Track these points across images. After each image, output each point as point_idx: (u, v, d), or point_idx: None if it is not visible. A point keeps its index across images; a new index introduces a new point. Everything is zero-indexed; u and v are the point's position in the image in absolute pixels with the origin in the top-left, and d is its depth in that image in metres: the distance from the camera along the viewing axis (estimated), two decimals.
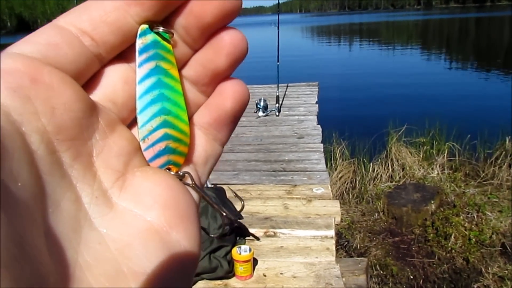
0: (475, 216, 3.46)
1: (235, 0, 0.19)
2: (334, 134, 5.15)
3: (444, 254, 3.21)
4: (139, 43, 0.19)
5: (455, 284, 2.97)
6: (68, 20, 0.18)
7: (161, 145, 0.20)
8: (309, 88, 7.45)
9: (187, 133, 0.21)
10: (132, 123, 0.21)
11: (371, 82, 11.24)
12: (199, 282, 2.21)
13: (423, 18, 60.87)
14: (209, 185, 2.96)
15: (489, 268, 3.00)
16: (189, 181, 0.21)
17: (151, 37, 0.19)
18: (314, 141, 4.59)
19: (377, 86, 10.53)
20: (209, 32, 0.20)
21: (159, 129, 0.20)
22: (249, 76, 11.03)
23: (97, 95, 0.19)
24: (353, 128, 5.59)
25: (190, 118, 0.22)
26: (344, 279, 2.30)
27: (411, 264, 3.16)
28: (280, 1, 6.32)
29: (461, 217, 3.44)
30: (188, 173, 0.21)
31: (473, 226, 3.36)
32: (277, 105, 5.75)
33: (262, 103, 5.74)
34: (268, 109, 5.76)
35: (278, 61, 5.99)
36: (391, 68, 13.89)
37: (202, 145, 0.22)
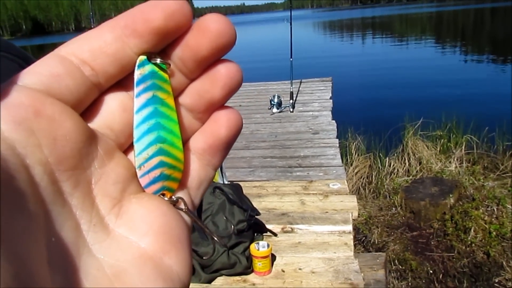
0: (495, 209, 3.40)
1: (230, 35, 0.20)
2: (349, 129, 5.12)
3: (464, 248, 3.17)
4: (137, 74, 0.20)
5: (475, 278, 2.93)
6: (70, 50, 0.19)
7: (156, 172, 0.21)
8: (323, 83, 7.42)
9: (181, 160, 0.22)
10: (128, 148, 0.21)
11: (385, 76, 11.13)
12: (218, 278, 2.23)
13: (437, 10, 60.01)
14: (226, 182, 2.98)
15: (511, 262, 2.95)
16: (182, 206, 0.22)
17: (148, 68, 0.20)
18: (329, 136, 4.58)
19: (391, 80, 10.43)
20: (205, 64, 0.20)
21: (155, 157, 0.21)
22: (263, 72, 11.01)
23: (95, 122, 0.20)
24: (368, 122, 5.55)
25: (185, 143, 0.22)
26: (362, 274, 2.29)
27: (430, 258, 3.13)
28: None
29: (481, 211, 3.39)
30: (182, 198, 0.22)
31: (493, 220, 3.30)
32: (291, 101, 5.74)
33: (276, 100, 5.74)
34: (282, 106, 5.75)
35: (291, 57, 5.97)
36: (405, 62, 13.73)
37: (196, 170, 0.23)
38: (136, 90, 0.20)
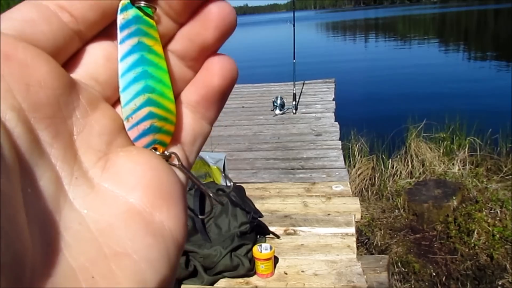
0: (499, 212, 3.40)
1: None
2: (352, 131, 5.11)
3: (467, 250, 3.17)
4: (120, 18, 0.19)
5: (479, 281, 2.92)
6: None
7: (145, 124, 0.20)
8: (326, 85, 7.41)
9: (173, 111, 0.20)
10: (117, 102, 0.20)
11: (388, 77, 11.12)
12: (221, 280, 2.22)
13: (440, 11, 59.90)
14: (229, 184, 2.98)
15: None
16: (176, 161, 0.20)
17: (132, 12, 0.19)
18: (332, 138, 4.57)
19: (394, 82, 10.42)
20: (193, 5, 0.19)
21: (143, 108, 0.20)
22: (265, 74, 11.02)
23: (78, 73, 0.19)
24: (371, 124, 5.55)
25: (178, 95, 0.21)
26: (365, 276, 2.29)
27: (433, 261, 3.13)
28: None
29: (484, 213, 3.39)
30: (175, 153, 0.20)
31: (496, 222, 3.30)
32: (294, 103, 5.73)
33: (278, 101, 5.73)
34: (285, 107, 5.75)
35: (294, 59, 5.97)
36: (408, 63, 13.71)
37: (190, 124, 0.22)
38: (120, 36, 0.19)
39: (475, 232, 3.23)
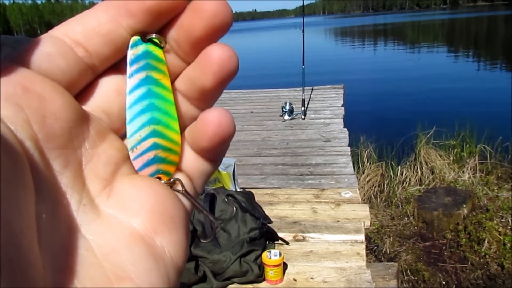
0: (510, 221, 3.36)
1: (225, 15, 0.19)
2: (361, 137, 5.10)
3: (477, 259, 3.14)
4: (130, 54, 0.20)
5: None
6: (63, 31, 0.18)
7: (149, 155, 0.20)
8: (335, 91, 7.40)
9: (178, 143, 0.21)
10: (126, 133, 0.21)
11: (397, 83, 11.07)
12: (230, 286, 2.22)
13: (450, 17, 59.65)
14: (238, 189, 2.98)
15: None
16: (179, 187, 0.21)
17: (142, 47, 0.20)
18: (341, 144, 4.56)
19: (404, 88, 10.37)
20: (200, 46, 0.20)
21: (148, 139, 0.20)
22: (274, 79, 11.03)
23: (90, 106, 0.20)
24: (380, 130, 5.53)
25: (184, 129, 0.22)
26: (374, 284, 2.28)
27: (443, 269, 3.10)
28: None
29: (495, 222, 3.35)
30: (179, 179, 0.21)
31: (507, 231, 3.26)
32: (302, 108, 5.74)
33: (287, 107, 5.74)
34: (294, 113, 5.75)
35: (303, 64, 5.98)
36: (417, 70, 13.66)
37: (192, 160, 0.22)
38: (129, 70, 0.20)
39: (486, 241, 3.20)
